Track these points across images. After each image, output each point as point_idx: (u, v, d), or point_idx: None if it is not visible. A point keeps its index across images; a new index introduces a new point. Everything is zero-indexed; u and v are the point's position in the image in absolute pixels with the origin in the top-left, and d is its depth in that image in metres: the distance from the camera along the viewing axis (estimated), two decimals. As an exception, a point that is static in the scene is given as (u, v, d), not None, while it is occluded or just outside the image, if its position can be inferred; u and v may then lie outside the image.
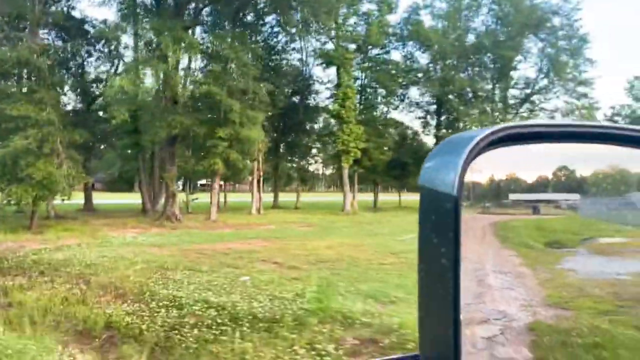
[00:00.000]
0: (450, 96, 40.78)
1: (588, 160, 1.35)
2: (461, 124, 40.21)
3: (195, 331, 9.02)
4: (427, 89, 41.39)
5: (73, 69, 30.92)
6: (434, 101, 42.81)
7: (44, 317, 10.49)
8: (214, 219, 27.48)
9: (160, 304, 10.90)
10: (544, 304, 1.66)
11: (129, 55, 31.01)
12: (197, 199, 28.71)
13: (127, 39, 31.23)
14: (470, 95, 42.06)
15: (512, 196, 1.70)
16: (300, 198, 45.18)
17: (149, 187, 33.93)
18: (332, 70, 41.98)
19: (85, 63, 32.44)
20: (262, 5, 26.97)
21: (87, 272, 14.44)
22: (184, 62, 24.63)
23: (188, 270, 14.56)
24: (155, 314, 10.19)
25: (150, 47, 21.65)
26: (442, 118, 42.80)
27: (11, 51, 20.98)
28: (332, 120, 39.22)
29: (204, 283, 12.71)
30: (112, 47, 31.29)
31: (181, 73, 22.43)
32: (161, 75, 21.18)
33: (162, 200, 33.85)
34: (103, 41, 30.30)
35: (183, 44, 20.69)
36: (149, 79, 21.96)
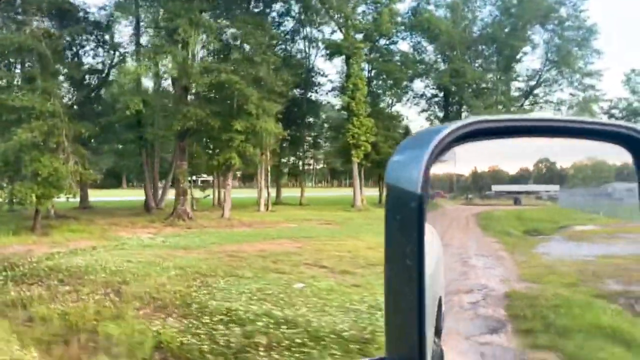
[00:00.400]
0: (455, 88, 39.74)
1: (568, 152, 1.31)
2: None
3: (275, 355, 7.63)
4: (435, 81, 40.26)
5: (69, 58, 28.84)
6: (441, 93, 41.75)
7: (77, 336, 9.02)
8: (228, 217, 25.90)
9: (215, 318, 9.41)
10: (518, 279, 2.30)
11: (126, 44, 29.33)
12: (208, 195, 27.06)
13: (123, 28, 29.58)
14: (477, 87, 41.13)
15: (495, 187, 1.91)
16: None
17: (151, 183, 32.20)
18: (335, 62, 40.90)
19: (80, 52, 30.48)
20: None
21: (114, 280, 12.80)
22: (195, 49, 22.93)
23: (230, 276, 13.08)
24: (213, 332, 8.72)
25: (159, 33, 19.86)
26: (450, 110, 41.76)
27: (12, 36, 19.06)
28: (334, 114, 37.96)
29: (255, 292, 11.25)
30: (108, 36, 29.42)
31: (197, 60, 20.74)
32: (174, 63, 19.47)
33: (163, 197, 32.20)
34: (98, 30, 28.48)
35: (202, 28, 19.03)
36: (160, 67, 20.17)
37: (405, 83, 41.61)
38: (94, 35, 29.25)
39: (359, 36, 35.72)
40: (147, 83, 30.29)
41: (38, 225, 21.62)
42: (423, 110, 43.19)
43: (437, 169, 1.02)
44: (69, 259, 15.78)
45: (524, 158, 1.57)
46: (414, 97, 43.48)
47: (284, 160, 45.06)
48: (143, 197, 41.98)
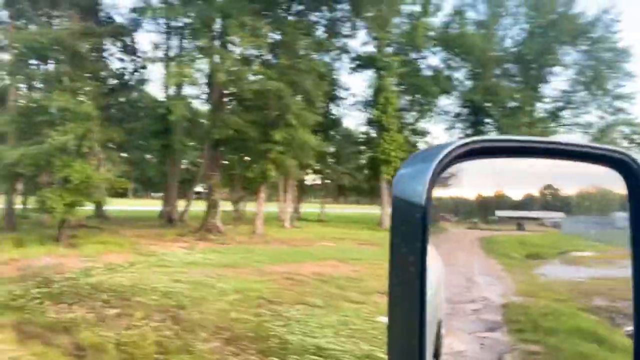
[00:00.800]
0: (485, 106, 38.63)
1: (573, 179, 1.42)
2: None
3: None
4: (464, 97, 39.16)
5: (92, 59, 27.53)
6: (465, 110, 40.60)
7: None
8: (260, 233, 24.40)
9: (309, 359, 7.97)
10: (515, 294, 2.40)
11: (152, 48, 28.10)
12: (240, 209, 25.52)
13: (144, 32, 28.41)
14: (507, 106, 40.01)
15: (499, 213, 2.06)
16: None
17: (173, 194, 30.76)
18: (359, 75, 39.79)
19: (104, 55, 29.16)
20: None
21: (168, 304, 11.29)
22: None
23: (299, 304, 11.57)
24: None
25: (205, 34, 18.55)
26: (479, 129, 40.59)
27: (49, 32, 17.79)
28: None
29: (336, 325, 9.74)
30: (129, 40, 28.13)
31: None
32: (221, 66, 18.14)
33: (187, 209, 30.78)
34: (124, 32, 27.20)
35: (251, 31, 17.75)
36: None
37: (431, 99, 40.56)
38: (119, 38, 28.01)
39: (388, 49, 34.75)
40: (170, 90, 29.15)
41: (63, 236, 20.10)
42: (450, 127, 41.96)
43: (443, 193, 1.13)
44: (109, 275, 14.28)
45: (529, 184, 1.68)
46: (438, 114, 42.40)
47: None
48: (154, 207, 40.70)
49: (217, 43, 18.45)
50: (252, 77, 20.46)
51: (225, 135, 20.43)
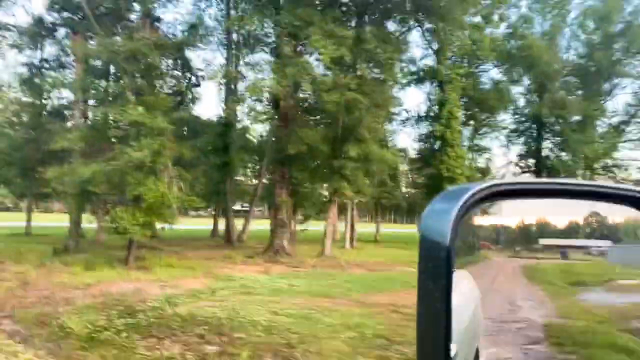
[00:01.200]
0: (553, 120, 36.52)
1: (620, 209, 1.42)
2: (569, 155, 36.04)
3: None
4: (529, 112, 37.18)
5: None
6: (532, 126, 38.51)
7: None
8: (329, 254, 22.87)
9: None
10: (556, 316, 2.53)
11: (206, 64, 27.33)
12: (306, 229, 24.14)
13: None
14: (573, 120, 37.79)
15: (542, 241, 2.03)
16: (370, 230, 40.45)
17: (228, 213, 29.65)
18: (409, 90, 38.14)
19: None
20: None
21: (275, 342, 9.77)
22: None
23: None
24: None
25: (287, 42, 17.37)
26: (541, 145, 38.51)
27: (126, 42, 16.93)
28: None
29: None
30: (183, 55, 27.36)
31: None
32: (305, 76, 16.93)
33: (246, 228, 29.64)
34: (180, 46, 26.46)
35: (333, 39, 16.48)
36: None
37: (490, 113, 38.74)
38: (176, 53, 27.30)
39: (448, 60, 33.22)
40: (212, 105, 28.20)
41: (132, 257, 19.04)
42: (508, 143, 39.84)
43: (483, 220, 1.24)
44: (194, 304, 12.96)
45: (574, 213, 1.68)
46: (497, 129, 40.41)
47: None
48: (203, 226, 39.73)
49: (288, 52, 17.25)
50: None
51: (297, 151, 19.14)
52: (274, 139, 21.42)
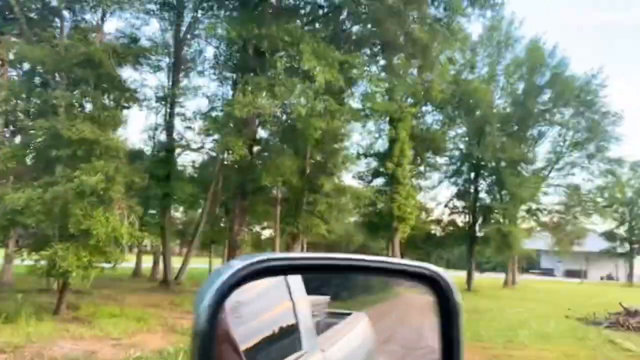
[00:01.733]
0: (492, 164, 37.55)
1: None
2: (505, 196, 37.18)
3: None
4: (468, 153, 38.01)
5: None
6: (470, 167, 39.37)
7: None
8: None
9: None
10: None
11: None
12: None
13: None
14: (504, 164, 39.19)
15: None
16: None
17: (165, 250, 26.31)
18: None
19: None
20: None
21: None
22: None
23: None
24: None
25: (281, 62, 15.34)
26: (480, 188, 39.45)
27: (79, 44, 14.03)
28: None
29: None
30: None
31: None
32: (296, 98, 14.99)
33: (184, 268, 26.52)
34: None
35: (323, 60, 14.84)
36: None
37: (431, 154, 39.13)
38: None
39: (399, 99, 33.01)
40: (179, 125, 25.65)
41: (63, 306, 15.50)
42: (449, 183, 40.34)
43: None
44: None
45: None
46: (437, 169, 40.88)
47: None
48: (130, 264, 35.23)
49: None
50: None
51: (272, 182, 17.01)
52: (236, 167, 19.04)
